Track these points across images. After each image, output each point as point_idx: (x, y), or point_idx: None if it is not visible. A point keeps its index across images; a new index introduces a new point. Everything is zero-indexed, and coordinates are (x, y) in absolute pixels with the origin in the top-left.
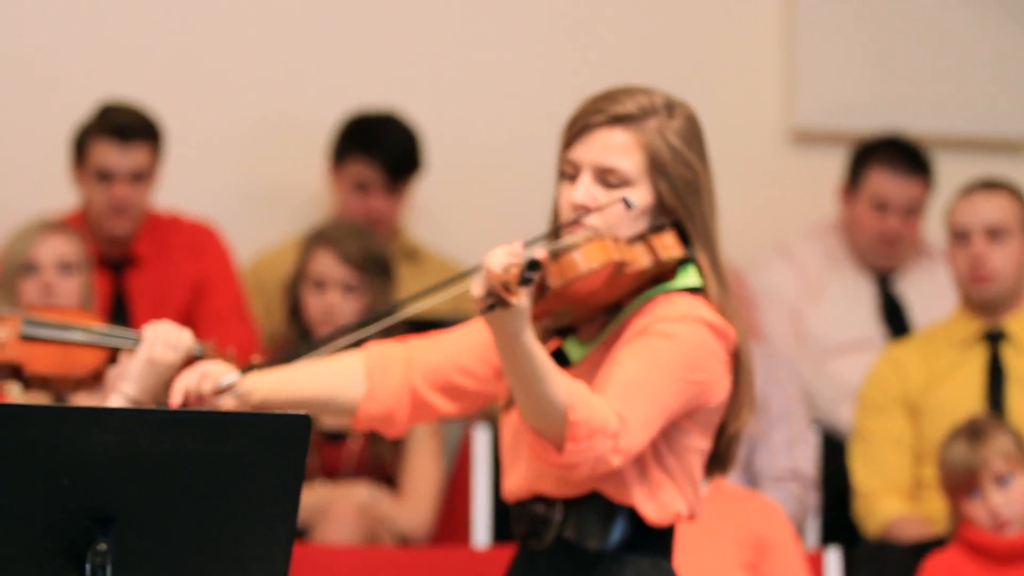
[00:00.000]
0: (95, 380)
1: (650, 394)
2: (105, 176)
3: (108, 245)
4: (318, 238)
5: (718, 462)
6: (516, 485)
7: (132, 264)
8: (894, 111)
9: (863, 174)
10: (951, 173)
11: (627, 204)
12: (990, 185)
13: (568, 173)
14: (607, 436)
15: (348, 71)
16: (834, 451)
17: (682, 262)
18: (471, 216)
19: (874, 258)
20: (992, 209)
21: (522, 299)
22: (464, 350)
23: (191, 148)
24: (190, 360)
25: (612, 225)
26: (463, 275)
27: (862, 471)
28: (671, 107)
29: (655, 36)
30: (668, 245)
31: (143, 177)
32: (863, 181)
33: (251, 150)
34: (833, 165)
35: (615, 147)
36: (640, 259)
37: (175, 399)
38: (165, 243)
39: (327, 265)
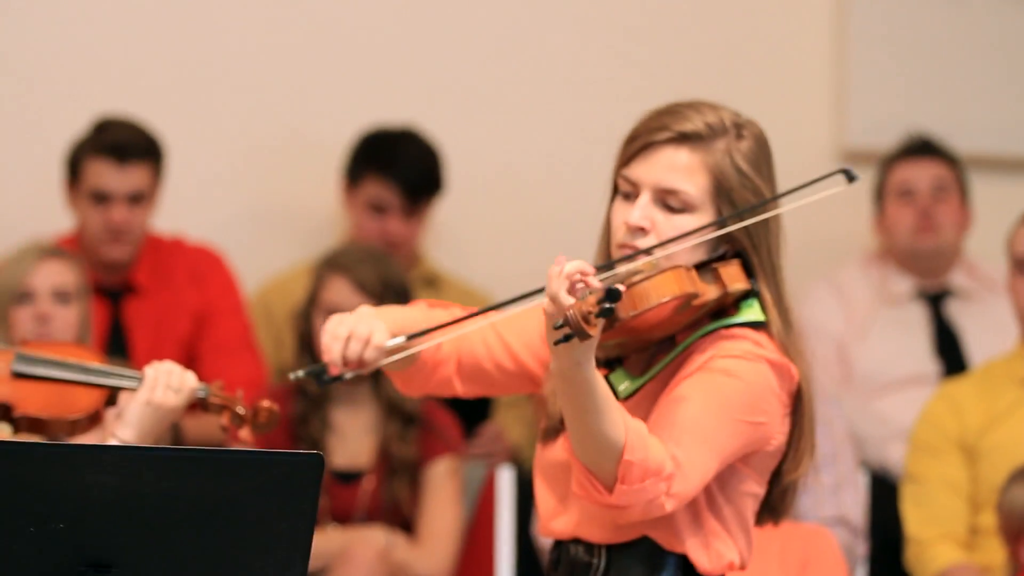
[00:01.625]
0: (91, 423)
1: (707, 436)
2: (101, 198)
3: (106, 272)
4: (331, 264)
5: (771, 511)
6: (558, 525)
7: (131, 292)
8: (945, 130)
9: (886, 179)
10: (1009, 196)
11: (849, 177)
12: None
13: (624, 191)
14: (661, 479)
15: (364, 86)
16: (885, 495)
17: (745, 295)
18: (494, 241)
19: (918, 261)
20: None
21: (599, 330)
22: (502, 346)
23: (195, 168)
24: (193, 404)
25: (672, 255)
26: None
27: (915, 517)
28: (740, 126)
29: (699, 53)
30: (734, 277)
31: (142, 199)
32: (887, 184)
33: (259, 170)
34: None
35: (679, 168)
36: (709, 291)
37: (335, 370)
38: (167, 269)
39: (341, 293)
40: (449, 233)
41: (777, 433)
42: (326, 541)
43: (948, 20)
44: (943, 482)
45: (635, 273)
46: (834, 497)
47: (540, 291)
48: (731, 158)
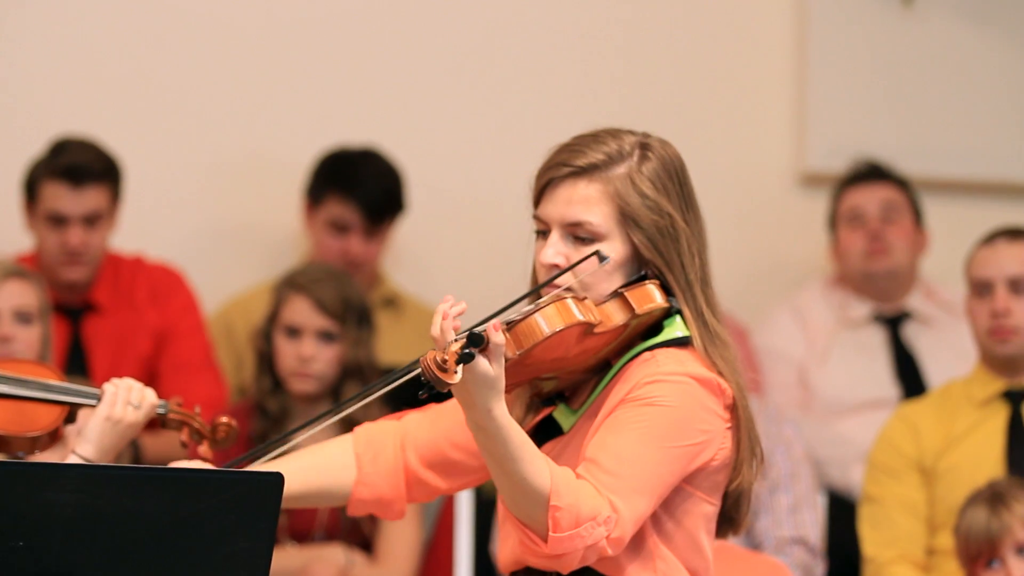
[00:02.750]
0: (51, 440)
1: (641, 473)
2: (57, 220)
3: (65, 290)
4: (292, 283)
5: (728, 522)
6: (505, 556)
7: (91, 310)
8: (904, 154)
9: (837, 206)
10: (969, 219)
11: (600, 258)
12: (1013, 233)
13: (540, 230)
14: (599, 524)
15: (325, 106)
16: (843, 515)
17: (668, 314)
18: (455, 262)
19: (873, 284)
20: (1016, 259)
21: (477, 372)
22: (459, 424)
23: (155, 187)
24: (153, 420)
25: (588, 283)
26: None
27: (872, 538)
28: (645, 148)
29: (660, 78)
30: (646, 298)
31: (98, 220)
32: (838, 211)
33: (220, 189)
34: None
35: (580, 200)
36: (613, 316)
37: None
38: (127, 288)
39: (302, 313)
40: (410, 254)
41: (719, 448)
42: (285, 559)
43: (907, 45)
44: (900, 503)
45: (527, 312)
46: (792, 518)
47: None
48: (632, 183)
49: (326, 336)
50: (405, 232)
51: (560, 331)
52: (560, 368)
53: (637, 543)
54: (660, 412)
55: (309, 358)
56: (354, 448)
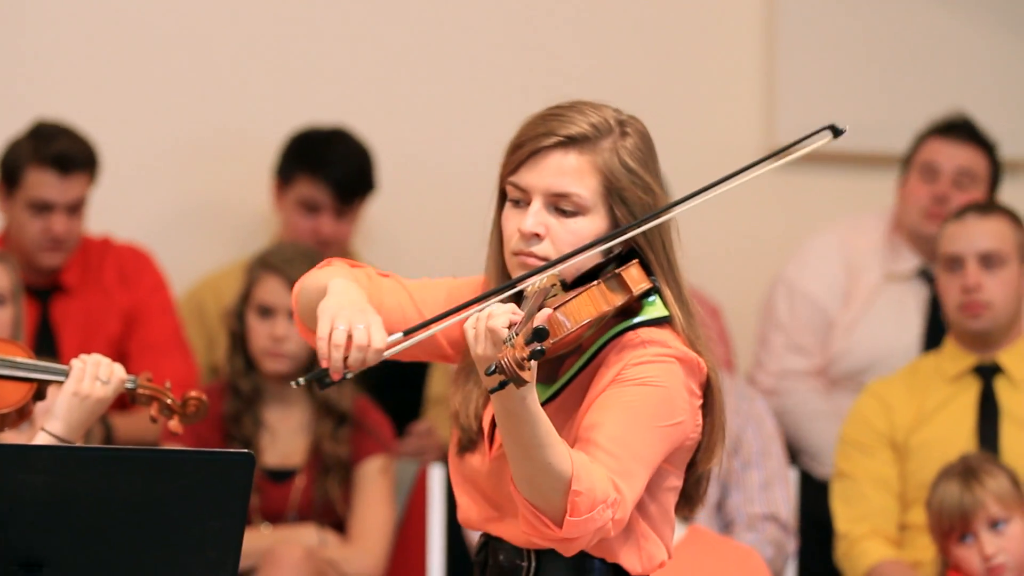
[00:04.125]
0: (20, 417)
1: (638, 454)
2: (42, 207)
3: (33, 272)
4: (264, 263)
5: (687, 500)
6: (496, 530)
7: (60, 291)
8: (875, 129)
9: (916, 151)
10: None
11: (836, 132)
12: (984, 208)
13: (514, 198)
14: (608, 506)
15: (294, 85)
16: (815, 491)
17: (646, 293)
18: (426, 240)
19: (924, 242)
20: (986, 234)
21: (535, 372)
22: (422, 315)
23: (124, 167)
24: (122, 395)
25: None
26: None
27: (844, 513)
28: (623, 123)
29: (630, 54)
30: (637, 278)
31: (80, 207)
32: (915, 157)
33: (189, 169)
34: (814, 183)
35: (569, 171)
36: (615, 298)
37: (335, 376)
38: (95, 269)
39: (274, 293)
40: (381, 232)
41: (695, 425)
42: (258, 540)
43: (875, 22)
44: (873, 479)
45: (551, 297)
46: (764, 494)
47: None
48: (618, 156)
49: None
50: (376, 211)
51: (590, 320)
52: (566, 349)
53: (626, 527)
54: (651, 392)
55: (282, 338)
56: (364, 288)
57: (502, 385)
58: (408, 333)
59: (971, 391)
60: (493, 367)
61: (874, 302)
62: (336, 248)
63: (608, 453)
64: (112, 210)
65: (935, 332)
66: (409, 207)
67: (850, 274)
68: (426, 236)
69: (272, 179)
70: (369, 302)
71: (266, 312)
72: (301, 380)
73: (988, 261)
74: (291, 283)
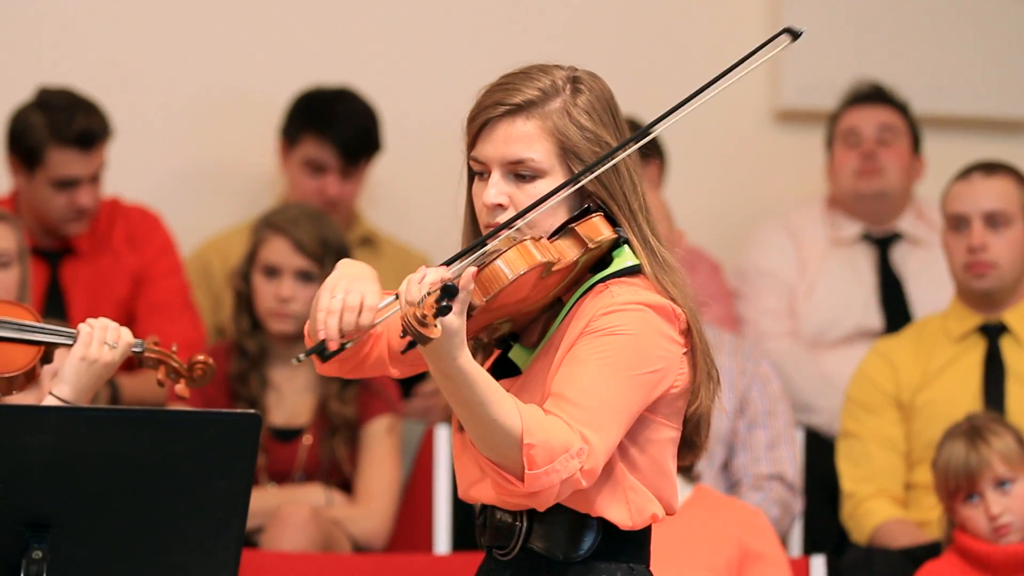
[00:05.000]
0: (27, 380)
1: (608, 403)
2: (68, 183)
3: (43, 234)
4: (270, 224)
5: (689, 446)
6: (477, 494)
7: (69, 254)
8: (862, 79)
9: (835, 126)
10: (942, 155)
11: (793, 34)
12: (989, 167)
13: (478, 171)
14: (572, 456)
15: (300, 45)
16: (821, 451)
17: (616, 244)
18: (431, 201)
19: (863, 204)
20: (991, 193)
21: (445, 327)
22: None
23: (131, 129)
24: (130, 359)
25: (533, 221)
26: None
27: (850, 473)
28: (576, 81)
29: (633, 16)
30: (596, 230)
31: (100, 174)
32: (835, 130)
33: (195, 130)
34: (818, 144)
35: (519, 138)
36: (567, 252)
37: (333, 345)
38: (104, 231)
39: (280, 253)
40: (386, 193)
41: (679, 374)
42: (264, 500)
43: None
44: (878, 439)
45: (486, 258)
46: (770, 454)
47: (476, 247)
48: (569, 116)
49: (305, 276)
50: (381, 171)
51: (523, 274)
52: (519, 310)
53: (606, 475)
54: (619, 341)
55: (288, 298)
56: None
57: (411, 345)
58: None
59: (977, 351)
60: (401, 330)
61: (825, 264)
62: (341, 209)
63: (574, 404)
64: (119, 172)
65: (891, 290)
66: (414, 167)
67: (797, 244)
68: (431, 196)
69: (278, 140)
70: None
71: (272, 272)
72: (301, 356)
73: (993, 220)
74: (297, 243)
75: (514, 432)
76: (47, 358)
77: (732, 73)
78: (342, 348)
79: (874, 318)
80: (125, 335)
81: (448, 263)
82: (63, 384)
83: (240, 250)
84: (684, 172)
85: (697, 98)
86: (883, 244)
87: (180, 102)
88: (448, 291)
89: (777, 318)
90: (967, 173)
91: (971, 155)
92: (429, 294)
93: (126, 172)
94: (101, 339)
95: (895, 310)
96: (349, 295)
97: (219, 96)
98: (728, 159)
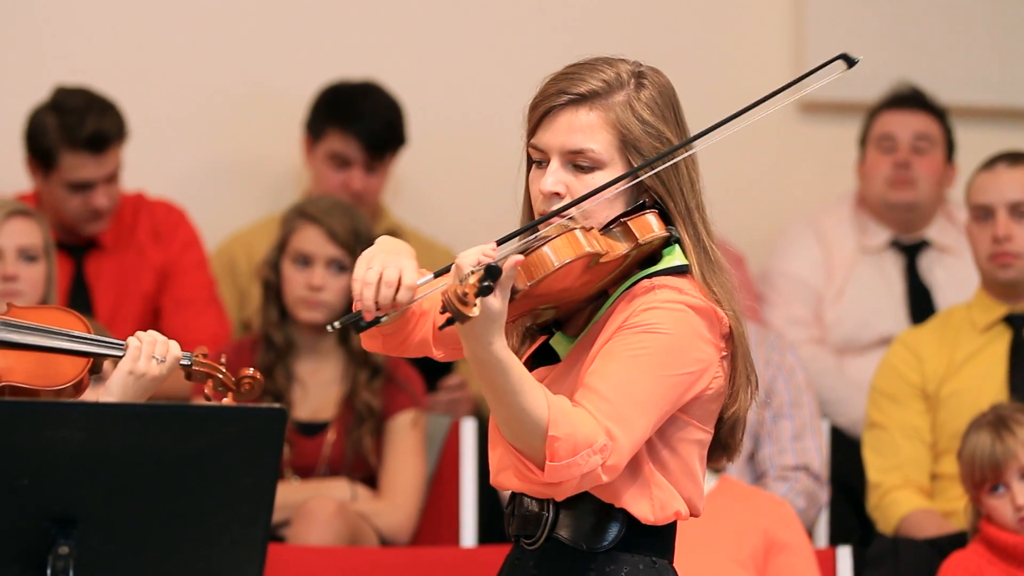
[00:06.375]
0: (76, 391)
1: (637, 400)
2: (82, 187)
3: (67, 229)
4: (302, 213)
5: (723, 448)
6: (506, 481)
7: (93, 248)
8: (902, 81)
9: (870, 127)
10: (967, 145)
11: (849, 62)
12: (1013, 158)
13: (537, 160)
14: (595, 452)
15: (325, 39)
16: (847, 442)
17: (667, 243)
18: (456, 194)
19: (891, 212)
20: (1016, 183)
21: (485, 308)
22: None
23: (155, 123)
24: (183, 373)
25: (589, 212)
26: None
27: (876, 464)
28: (640, 76)
29: (658, 5)
30: (645, 227)
31: (116, 175)
32: (870, 132)
33: (220, 125)
34: (843, 135)
35: (581, 128)
36: (616, 246)
37: (369, 316)
38: (129, 226)
39: (313, 242)
40: (411, 187)
41: (714, 377)
42: (290, 494)
43: None
44: (904, 429)
45: (535, 244)
46: (795, 445)
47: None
48: (632, 109)
49: (337, 266)
50: (406, 165)
51: (569, 263)
52: (563, 299)
53: (633, 470)
54: (656, 340)
55: (319, 287)
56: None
57: (449, 321)
58: (439, 274)
59: (1002, 340)
60: (442, 305)
61: (854, 270)
62: (366, 203)
63: (603, 398)
64: (144, 167)
65: (919, 298)
66: (439, 161)
67: (825, 249)
68: (455, 190)
69: (303, 134)
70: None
71: (303, 261)
72: (336, 324)
73: (1018, 211)
74: (329, 232)
75: (540, 423)
76: (95, 369)
77: (783, 94)
78: (377, 321)
79: (902, 326)
80: (174, 349)
81: (500, 242)
82: (109, 396)
83: (265, 244)
84: (706, 162)
85: (754, 110)
86: (911, 251)
87: (205, 97)
88: (492, 272)
89: (803, 326)
90: (991, 163)
91: (995, 145)
92: (473, 273)
93: (151, 167)
94: (150, 353)
95: (924, 318)
96: (387, 269)
97: (244, 91)
98: (752, 150)
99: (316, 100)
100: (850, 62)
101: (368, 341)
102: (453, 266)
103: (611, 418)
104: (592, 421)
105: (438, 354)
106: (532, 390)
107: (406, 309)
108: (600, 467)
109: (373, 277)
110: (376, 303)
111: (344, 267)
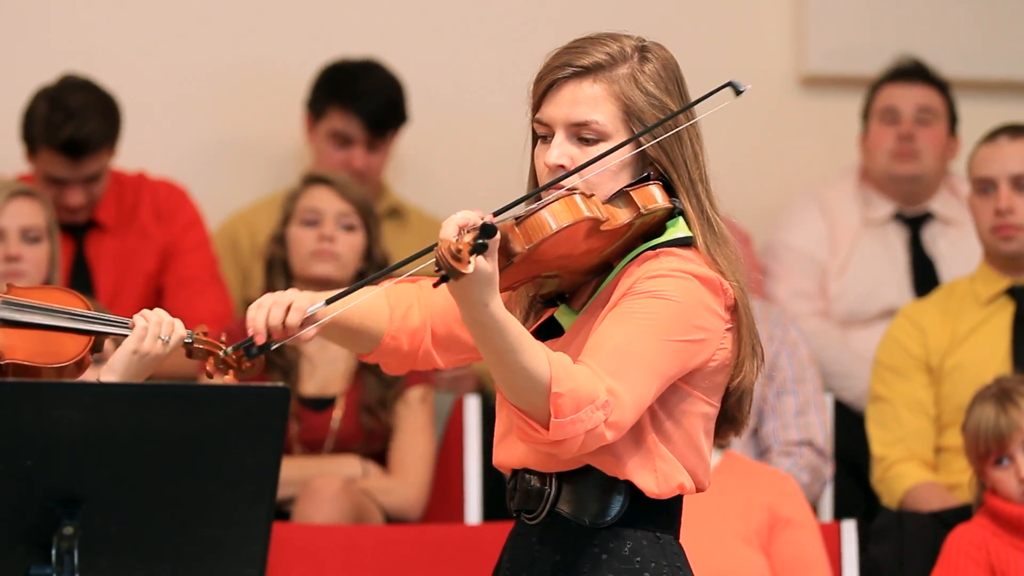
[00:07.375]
0: (77, 369)
1: (641, 361)
2: (57, 182)
3: (69, 210)
4: (310, 179)
5: (730, 422)
6: (506, 457)
7: (95, 228)
8: (904, 54)
9: (873, 100)
10: (970, 118)
11: (736, 90)
12: (1015, 130)
13: (541, 134)
14: (597, 408)
15: (325, 18)
16: (850, 416)
17: (671, 214)
18: (458, 172)
19: (895, 184)
20: (1018, 156)
21: (478, 268)
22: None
23: (157, 103)
24: (184, 351)
25: (593, 183)
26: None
27: (880, 437)
28: (644, 50)
29: None
30: (650, 197)
31: (98, 178)
32: (873, 106)
33: (222, 104)
34: (843, 110)
35: (586, 100)
36: (619, 215)
37: (260, 339)
38: (130, 206)
39: (322, 199)
40: (412, 164)
41: (718, 348)
42: (298, 470)
43: None
44: (908, 402)
45: (535, 208)
46: (799, 420)
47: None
48: (636, 82)
49: (346, 225)
50: (407, 143)
51: (568, 226)
52: (564, 266)
53: (637, 441)
54: (661, 305)
55: (331, 236)
56: (388, 301)
57: (443, 279)
58: (330, 301)
59: (1005, 313)
60: (435, 262)
61: (858, 243)
62: (368, 181)
63: (606, 357)
64: (145, 146)
65: (922, 271)
66: (440, 139)
67: (829, 222)
68: (457, 168)
69: (304, 112)
70: (417, 303)
71: (312, 221)
72: (229, 350)
73: (1020, 183)
74: (339, 189)
75: (542, 380)
76: (97, 347)
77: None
78: (268, 346)
79: (906, 298)
80: (178, 328)
81: (497, 213)
82: (112, 374)
83: (267, 223)
84: (708, 138)
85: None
86: (915, 224)
87: (206, 76)
88: (487, 230)
89: (807, 299)
90: (993, 136)
91: (998, 118)
92: (468, 231)
93: (152, 146)
94: (155, 333)
95: (927, 290)
96: (280, 295)
97: (245, 69)
98: (753, 125)
99: (317, 78)
100: (737, 91)
101: (385, 366)
102: (444, 225)
103: (613, 375)
104: (593, 377)
105: (440, 362)
106: (532, 348)
107: (300, 335)
108: (603, 423)
109: (267, 302)
110: (267, 325)
111: (353, 227)
